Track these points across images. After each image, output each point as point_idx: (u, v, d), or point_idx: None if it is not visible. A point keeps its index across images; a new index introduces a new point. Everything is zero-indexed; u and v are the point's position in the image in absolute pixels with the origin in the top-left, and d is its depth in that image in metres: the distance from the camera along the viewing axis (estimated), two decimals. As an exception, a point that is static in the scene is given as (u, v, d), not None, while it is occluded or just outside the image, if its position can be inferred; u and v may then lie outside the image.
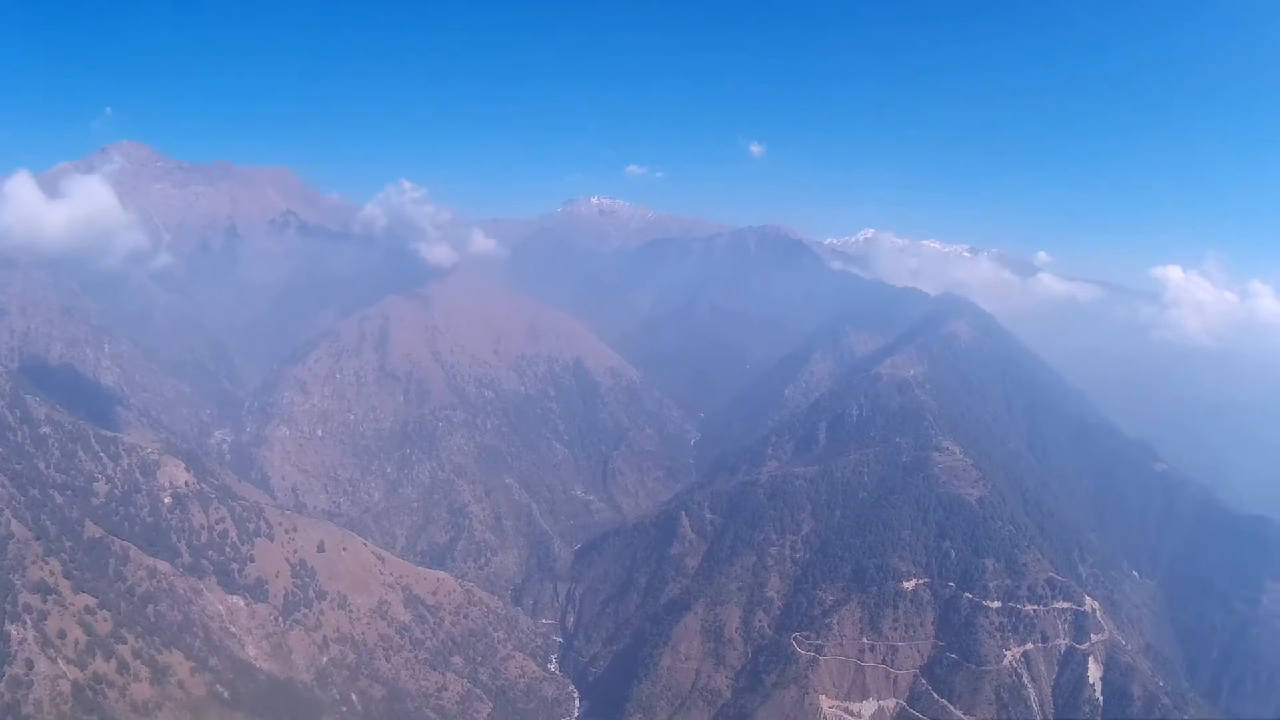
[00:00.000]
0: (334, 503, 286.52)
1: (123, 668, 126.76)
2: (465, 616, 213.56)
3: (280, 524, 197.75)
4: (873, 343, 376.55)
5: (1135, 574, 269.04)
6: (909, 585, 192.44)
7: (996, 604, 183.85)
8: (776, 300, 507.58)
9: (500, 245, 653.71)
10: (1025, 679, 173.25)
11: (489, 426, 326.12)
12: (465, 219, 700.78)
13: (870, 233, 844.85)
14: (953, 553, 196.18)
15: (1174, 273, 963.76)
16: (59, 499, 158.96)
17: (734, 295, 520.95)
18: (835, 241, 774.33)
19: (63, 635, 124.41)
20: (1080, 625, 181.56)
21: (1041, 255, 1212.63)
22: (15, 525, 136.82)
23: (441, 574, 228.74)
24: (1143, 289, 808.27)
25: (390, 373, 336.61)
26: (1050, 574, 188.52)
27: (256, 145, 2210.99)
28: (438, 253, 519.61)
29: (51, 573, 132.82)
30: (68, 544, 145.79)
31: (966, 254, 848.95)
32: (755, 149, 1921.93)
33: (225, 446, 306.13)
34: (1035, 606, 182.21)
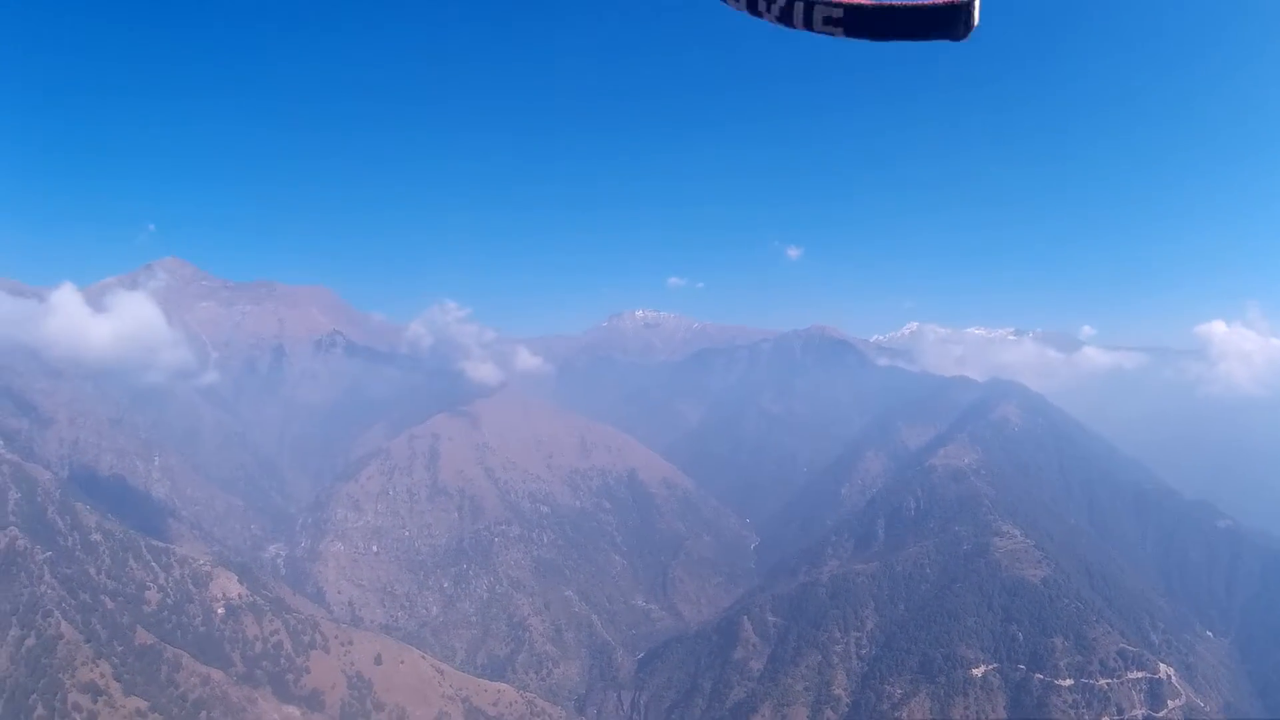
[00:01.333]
0: (391, 617, 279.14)
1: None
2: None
3: (335, 636, 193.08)
4: (924, 434, 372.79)
5: (1209, 634, 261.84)
6: (978, 672, 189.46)
7: (1069, 682, 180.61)
8: (825, 400, 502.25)
9: (546, 362, 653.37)
10: None
11: (545, 540, 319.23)
12: (509, 337, 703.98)
13: (914, 325, 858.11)
14: (1020, 635, 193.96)
15: (1218, 328, 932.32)
16: (110, 604, 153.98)
17: (782, 399, 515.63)
18: (881, 338, 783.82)
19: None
20: (1156, 693, 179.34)
21: (1086, 329, 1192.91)
22: (65, 627, 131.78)
23: (502, 685, 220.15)
24: (1188, 347, 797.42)
25: (442, 489, 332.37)
26: (1121, 645, 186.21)
27: (296, 264, 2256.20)
28: (483, 370, 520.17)
29: (102, 675, 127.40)
30: (119, 648, 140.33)
31: (1011, 337, 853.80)
32: (792, 252, 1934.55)
33: (279, 561, 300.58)
34: (1108, 680, 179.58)
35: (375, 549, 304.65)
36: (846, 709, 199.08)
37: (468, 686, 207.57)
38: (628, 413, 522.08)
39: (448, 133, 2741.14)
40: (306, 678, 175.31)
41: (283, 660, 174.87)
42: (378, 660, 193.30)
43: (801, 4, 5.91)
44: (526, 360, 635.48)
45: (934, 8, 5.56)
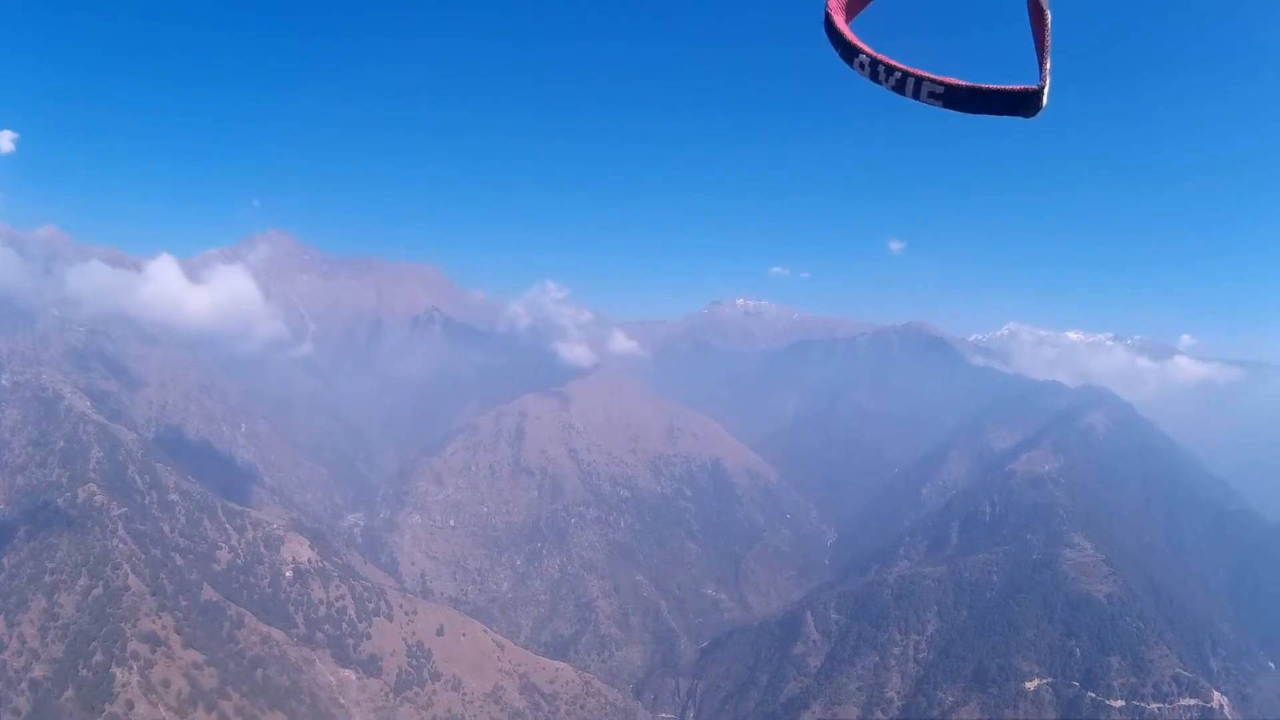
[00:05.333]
0: (461, 590, 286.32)
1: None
2: (581, 707, 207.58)
3: (401, 606, 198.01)
4: (1011, 438, 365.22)
5: (1271, 665, 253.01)
6: (1031, 685, 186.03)
7: (1120, 703, 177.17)
8: (918, 398, 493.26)
9: (641, 346, 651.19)
10: None
11: (622, 524, 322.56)
12: (606, 319, 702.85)
13: (1012, 325, 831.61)
14: (1078, 651, 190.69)
15: None
16: (179, 561, 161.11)
17: (876, 395, 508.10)
18: (979, 337, 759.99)
19: (166, 684, 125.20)
20: None
21: (1186, 339, 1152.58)
22: (132, 579, 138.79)
23: (561, 664, 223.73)
24: None
25: (525, 468, 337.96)
26: (1178, 670, 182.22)
27: (402, 241, 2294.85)
28: (577, 352, 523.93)
29: (163, 627, 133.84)
30: (183, 603, 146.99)
31: (1109, 342, 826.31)
32: (895, 246, 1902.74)
33: (357, 530, 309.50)
34: (1160, 705, 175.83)
35: (452, 523, 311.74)
36: (897, 711, 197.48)
37: (527, 663, 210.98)
38: (722, 401, 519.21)
39: (559, 113, 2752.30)
40: (366, 643, 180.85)
41: (345, 625, 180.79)
42: (440, 631, 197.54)
43: (912, 80, 7.08)
44: (622, 344, 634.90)
45: (1014, 93, 6.80)
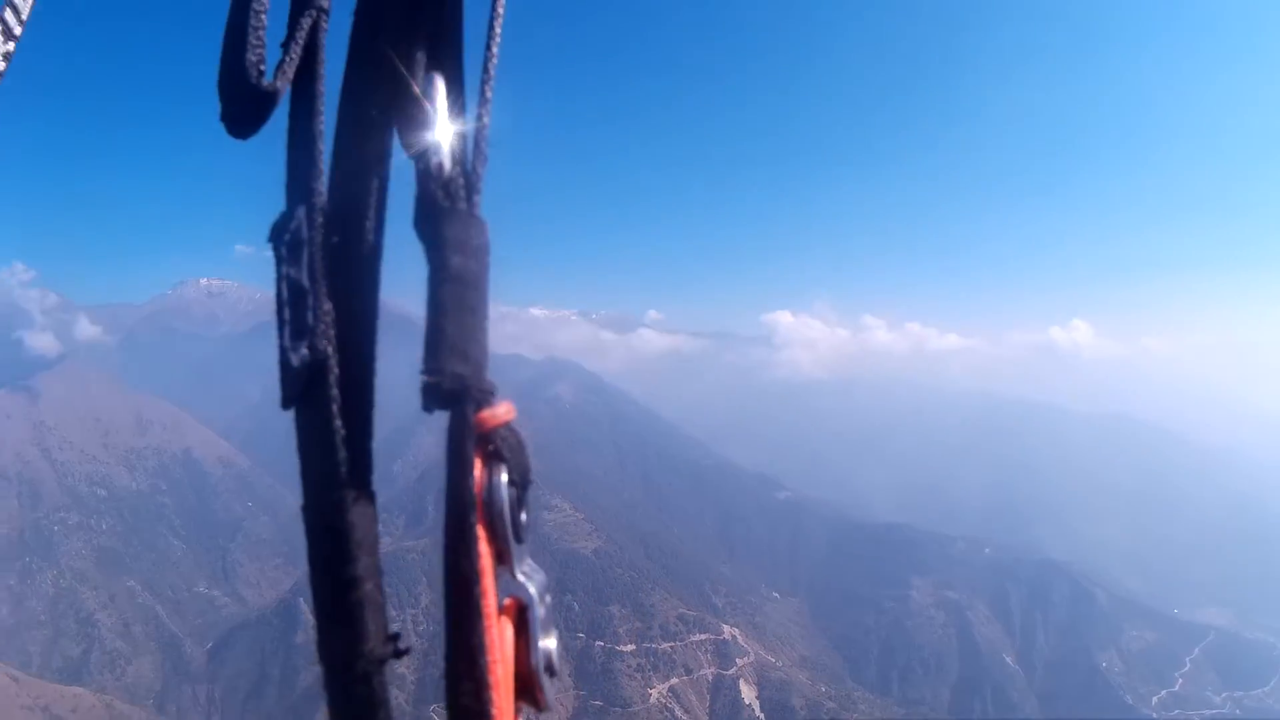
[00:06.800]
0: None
1: None
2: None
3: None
4: None
5: (775, 595, 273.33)
6: None
7: (630, 647, 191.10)
8: (384, 374, 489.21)
9: (106, 332, 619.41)
10: (678, 712, 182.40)
11: (104, 527, 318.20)
12: (72, 304, 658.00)
13: None
14: (575, 605, 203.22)
15: (784, 317, 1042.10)
16: None
17: None
18: None
19: None
20: (723, 652, 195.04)
21: (653, 313, 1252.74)
22: None
23: (79, 689, 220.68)
24: (755, 335, 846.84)
25: (2, 474, 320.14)
26: (681, 610, 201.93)
27: None
28: (43, 341, 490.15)
29: None
30: None
31: (574, 318, 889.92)
32: None
33: None
34: (671, 643, 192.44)
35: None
36: (413, 686, 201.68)
37: (45, 694, 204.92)
38: (189, 387, 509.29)
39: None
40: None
41: None
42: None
43: None
44: (86, 330, 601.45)
45: None
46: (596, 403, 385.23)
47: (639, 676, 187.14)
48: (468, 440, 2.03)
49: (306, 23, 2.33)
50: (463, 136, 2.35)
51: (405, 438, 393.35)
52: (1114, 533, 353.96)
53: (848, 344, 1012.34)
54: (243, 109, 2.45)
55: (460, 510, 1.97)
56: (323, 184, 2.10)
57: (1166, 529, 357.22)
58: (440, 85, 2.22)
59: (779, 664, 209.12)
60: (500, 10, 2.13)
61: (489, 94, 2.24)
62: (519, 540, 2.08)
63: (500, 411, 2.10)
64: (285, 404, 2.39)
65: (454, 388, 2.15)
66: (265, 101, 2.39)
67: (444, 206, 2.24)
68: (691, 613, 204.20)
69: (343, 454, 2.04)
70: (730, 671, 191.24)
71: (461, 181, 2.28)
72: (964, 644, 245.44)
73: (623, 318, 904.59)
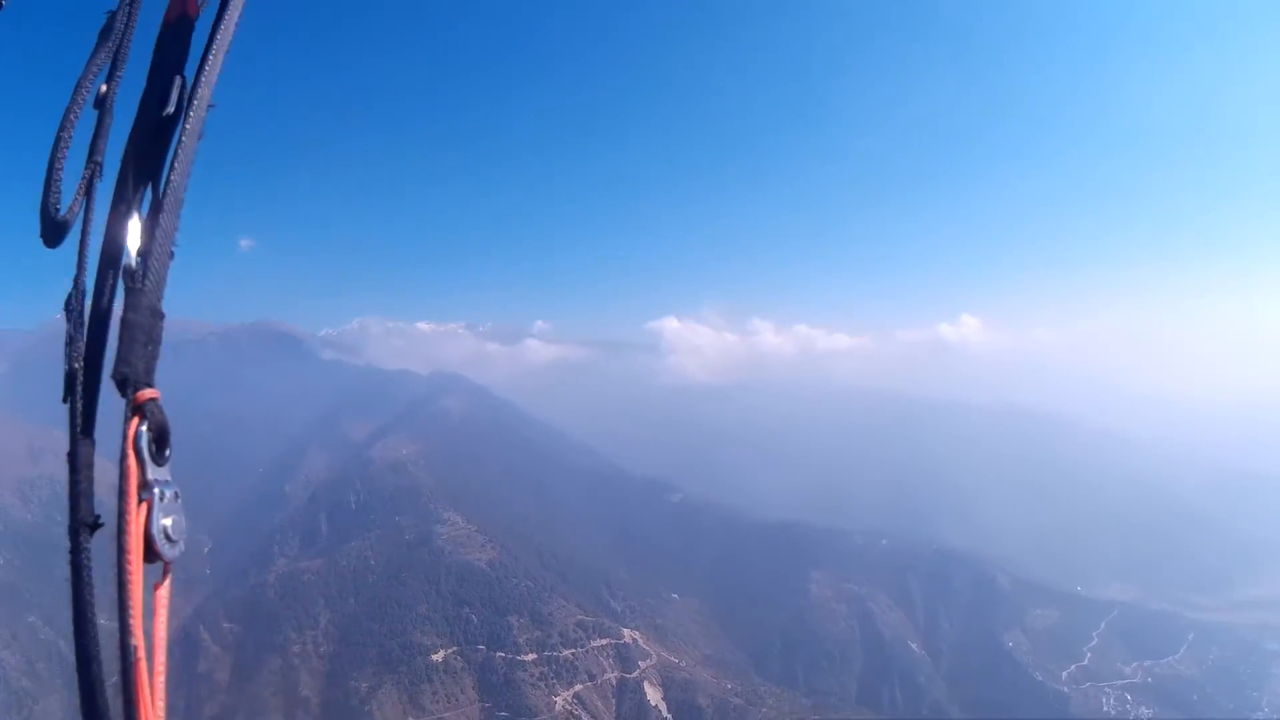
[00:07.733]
0: None
1: None
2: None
3: None
4: (368, 428, 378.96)
5: (674, 596, 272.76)
6: (438, 657, 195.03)
7: (532, 656, 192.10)
8: (275, 396, 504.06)
9: None
10: (585, 718, 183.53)
11: (1, 562, 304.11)
12: None
13: (362, 320, 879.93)
14: (474, 618, 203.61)
15: (670, 323, 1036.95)
16: None
17: (231, 396, 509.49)
18: (331, 332, 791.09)
19: None
20: (625, 656, 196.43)
21: (540, 324, 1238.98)
22: None
23: None
24: (641, 342, 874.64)
25: None
26: (580, 617, 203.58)
27: None
28: None
29: None
30: None
31: (461, 330, 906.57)
32: (245, 243, 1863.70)
33: None
34: (573, 650, 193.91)
35: None
36: (319, 709, 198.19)
37: None
38: None
39: None
40: None
41: None
42: None
43: None
44: None
45: None
46: (485, 415, 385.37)
47: (543, 685, 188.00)
48: (129, 406, 3.78)
49: (87, 174, 4.55)
50: (151, 236, 4.28)
51: (296, 459, 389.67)
52: (1014, 519, 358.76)
53: (736, 348, 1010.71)
54: (48, 232, 4.62)
55: (123, 452, 3.66)
56: (86, 272, 4.05)
57: (1066, 512, 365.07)
58: (147, 199, 4.02)
59: (682, 664, 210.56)
60: (187, 141, 4.05)
61: (172, 208, 4.19)
62: (158, 464, 3.75)
63: (149, 394, 3.81)
64: (63, 399, 4.51)
65: (123, 377, 3.96)
66: (62, 228, 4.61)
67: (131, 287, 4.03)
68: (590, 619, 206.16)
69: (80, 424, 4.16)
70: (634, 675, 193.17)
71: (142, 272, 4.09)
72: (867, 634, 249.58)
73: (510, 329, 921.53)
